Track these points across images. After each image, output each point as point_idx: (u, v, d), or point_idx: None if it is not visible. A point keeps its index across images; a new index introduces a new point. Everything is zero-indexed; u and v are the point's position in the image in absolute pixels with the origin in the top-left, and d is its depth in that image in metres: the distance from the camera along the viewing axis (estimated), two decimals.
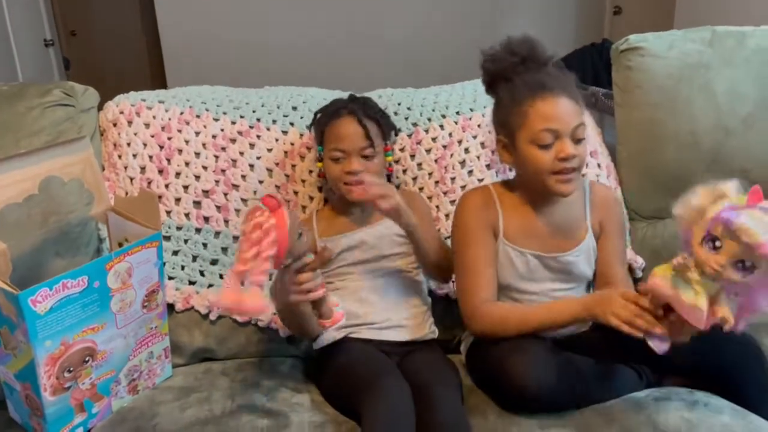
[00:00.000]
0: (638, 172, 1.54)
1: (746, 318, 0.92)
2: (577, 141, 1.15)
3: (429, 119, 1.51)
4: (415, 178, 1.48)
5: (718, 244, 0.85)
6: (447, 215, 1.44)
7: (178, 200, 1.37)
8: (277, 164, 1.42)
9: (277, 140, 1.44)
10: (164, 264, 1.33)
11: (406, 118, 1.51)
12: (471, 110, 1.52)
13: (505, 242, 1.22)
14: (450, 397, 1.09)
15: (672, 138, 1.50)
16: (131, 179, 1.37)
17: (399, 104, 1.52)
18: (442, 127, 1.50)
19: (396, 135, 1.47)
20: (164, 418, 1.12)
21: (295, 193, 1.42)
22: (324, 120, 1.33)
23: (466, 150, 1.48)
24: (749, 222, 0.82)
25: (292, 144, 1.43)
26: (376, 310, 1.28)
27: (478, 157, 1.48)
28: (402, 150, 1.49)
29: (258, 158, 1.42)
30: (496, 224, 1.22)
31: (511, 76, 1.18)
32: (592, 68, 2.83)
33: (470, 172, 1.47)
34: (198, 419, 1.11)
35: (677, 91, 1.50)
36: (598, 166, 1.53)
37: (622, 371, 1.18)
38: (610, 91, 1.97)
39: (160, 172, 1.38)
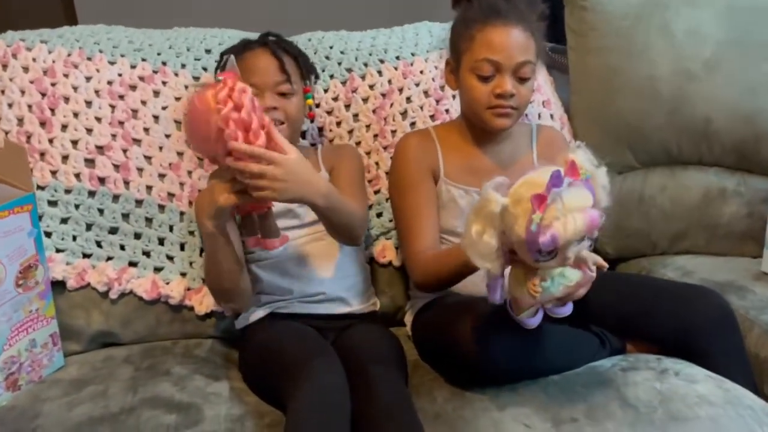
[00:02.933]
0: (593, 123, 1.43)
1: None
2: (521, 80, 1.07)
3: (365, 64, 1.33)
4: (350, 131, 1.30)
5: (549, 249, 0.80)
6: (388, 173, 1.27)
7: (65, 158, 1.15)
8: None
9: (186, 87, 1.23)
10: (49, 234, 1.12)
11: (339, 63, 1.33)
12: (413, 55, 1.36)
13: (447, 182, 1.14)
14: (391, 378, 0.95)
15: (629, 85, 1.39)
16: (6, 133, 1.14)
17: (331, 48, 1.34)
18: (380, 73, 1.33)
19: (317, 80, 1.28)
20: (48, 418, 0.94)
21: None
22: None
23: (408, 99, 1.32)
24: (565, 229, 0.77)
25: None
26: (308, 283, 1.12)
27: (422, 107, 1.32)
28: (335, 99, 1.31)
29: (164, 108, 1.21)
30: (435, 166, 1.14)
31: None
32: None
33: (413, 124, 1.31)
34: (90, 418, 0.92)
35: (634, 32, 1.38)
36: (551, 117, 1.40)
37: (582, 337, 1.08)
38: (556, 45, 1.85)
39: (42, 124, 1.15)
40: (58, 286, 1.11)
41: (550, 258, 0.80)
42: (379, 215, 1.27)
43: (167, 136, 1.20)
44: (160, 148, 1.19)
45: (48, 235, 1.12)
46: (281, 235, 1.00)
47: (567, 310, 0.91)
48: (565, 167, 0.79)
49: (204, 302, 1.16)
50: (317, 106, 1.29)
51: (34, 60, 1.18)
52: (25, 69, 1.18)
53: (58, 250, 1.13)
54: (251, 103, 0.89)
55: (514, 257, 0.85)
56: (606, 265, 0.90)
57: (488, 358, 0.93)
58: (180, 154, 1.20)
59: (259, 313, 1.11)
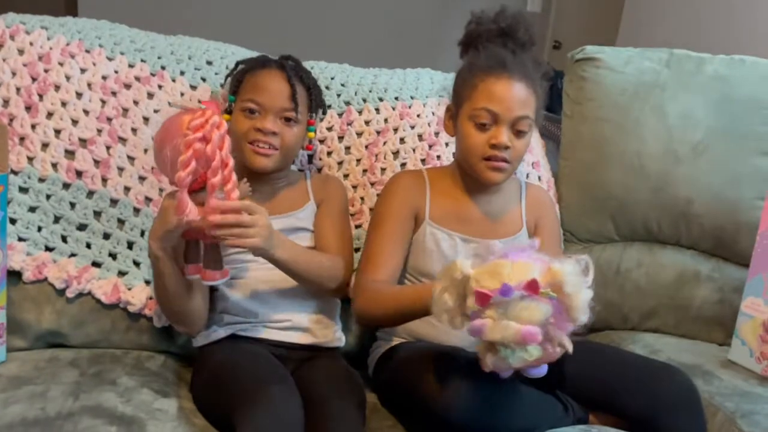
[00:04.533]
0: (579, 190, 1.44)
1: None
2: (518, 133, 1.08)
3: (364, 100, 1.33)
4: (340, 163, 1.29)
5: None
6: (372, 209, 1.26)
7: (45, 146, 1.12)
8: None
9: (182, 95, 1.21)
10: (14, 221, 1.08)
11: (338, 95, 1.33)
12: (412, 98, 1.37)
13: (431, 224, 1.13)
14: (350, 415, 0.92)
15: (618, 158, 1.40)
16: None
17: (332, 79, 1.34)
18: (377, 110, 1.33)
19: (324, 114, 1.28)
20: None
21: None
22: (246, 69, 1.12)
23: (402, 140, 1.32)
24: (492, 332, 0.80)
25: (200, 102, 1.21)
26: (274, 308, 1.08)
27: (414, 150, 1.32)
28: (329, 129, 1.30)
29: (156, 111, 1.18)
30: (421, 208, 1.14)
31: (482, 43, 1.10)
32: None
33: (403, 165, 1.31)
34: (24, 419, 0.86)
35: (629, 108, 1.41)
36: (539, 178, 1.40)
37: (547, 401, 1.05)
38: (547, 113, 1.89)
39: (28, 108, 1.12)
40: (12, 276, 1.06)
41: None
42: (357, 250, 1.24)
43: (154, 139, 1.17)
44: (145, 151, 1.16)
45: (12, 222, 1.07)
46: (223, 268, 0.96)
47: (541, 371, 0.89)
48: (527, 282, 0.79)
49: (163, 314, 1.11)
50: None
51: (31, 44, 1.16)
52: (21, 51, 1.15)
53: (20, 239, 1.08)
54: (220, 141, 0.89)
55: None
56: (570, 349, 0.86)
57: (452, 410, 0.90)
58: None
59: (219, 333, 1.07)
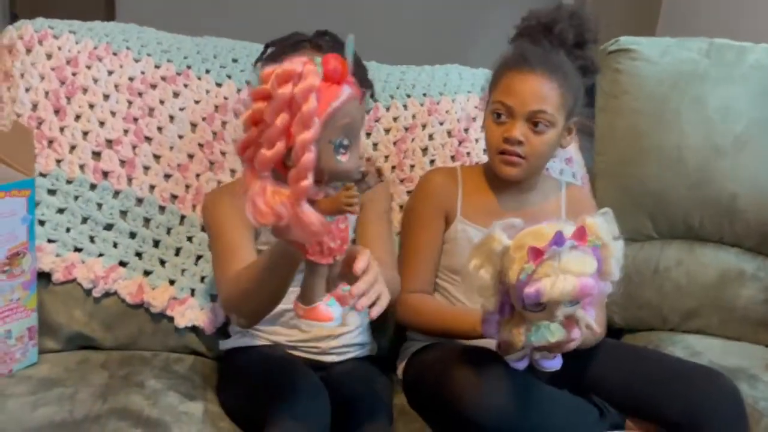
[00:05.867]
0: (616, 185, 1.39)
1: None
2: (536, 129, 1.04)
3: (391, 96, 1.31)
4: (368, 159, 1.27)
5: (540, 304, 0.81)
6: (401, 206, 1.24)
7: (73, 148, 1.12)
8: (204, 119, 1.18)
9: (208, 92, 1.20)
10: (43, 223, 1.08)
11: None
12: (440, 94, 1.34)
13: (463, 221, 1.12)
14: (377, 416, 0.91)
15: (656, 152, 1.35)
16: (18, 116, 1.11)
17: None
18: (405, 107, 1.31)
19: (372, 98, 1.22)
20: (8, 415, 0.88)
21: (223, 154, 1.18)
22: (278, 53, 1.03)
23: (431, 136, 1.29)
24: (552, 288, 0.78)
25: (226, 98, 1.20)
26: (310, 336, 1.04)
27: (443, 146, 1.30)
28: None
29: (181, 109, 1.18)
30: (453, 206, 1.13)
31: (522, 38, 1.09)
32: None
33: (432, 162, 1.28)
34: (51, 422, 0.87)
35: (667, 100, 1.35)
36: (573, 175, 1.36)
37: (582, 405, 1.02)
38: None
39: (56, 112, 1.13)
40: (42, 279, 1.06)
41: (538, 310, 0.81)
42: None
43: (180, 137, 1.17)
44: (171, 148, 1.16)
45: (41, 223, 1.08)
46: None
47: (555, 364, 0.89)
48: (576, 229, 0.80)
49: (186, 315, 1.10)
50: None
51: (59, 48, 1.16)
52: (49, 56, 1.15)
53: (49, 240, 1.08)
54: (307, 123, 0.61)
55: (508, 299, 0.85)
56: (597, 330, 0.88)
57: (483, 413, 0.87)
58: (191, 156, 1.16)
59: (246, 340, 1.05)
